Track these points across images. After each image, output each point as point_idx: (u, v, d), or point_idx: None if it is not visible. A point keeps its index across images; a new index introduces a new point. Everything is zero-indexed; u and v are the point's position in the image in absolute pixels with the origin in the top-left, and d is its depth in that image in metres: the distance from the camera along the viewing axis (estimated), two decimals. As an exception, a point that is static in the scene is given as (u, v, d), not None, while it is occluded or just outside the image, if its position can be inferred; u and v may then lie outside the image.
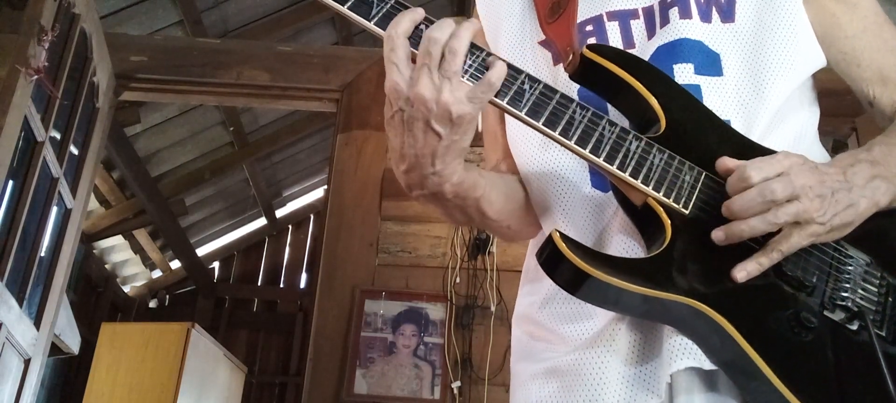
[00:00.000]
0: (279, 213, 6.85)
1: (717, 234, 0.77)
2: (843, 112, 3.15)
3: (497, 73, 0.75)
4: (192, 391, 4.11)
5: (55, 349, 3.42)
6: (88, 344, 4.32)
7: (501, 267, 3.11)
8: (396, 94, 0.74)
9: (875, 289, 0.81)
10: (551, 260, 0.76)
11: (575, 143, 0.78)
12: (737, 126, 0.86)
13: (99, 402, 4.02)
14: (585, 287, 0.75)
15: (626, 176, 0.78)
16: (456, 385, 2.94)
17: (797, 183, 0.74)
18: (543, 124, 0.77)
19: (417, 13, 0.75)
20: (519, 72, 0.78)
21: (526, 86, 0.78)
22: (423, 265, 3.17)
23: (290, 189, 6.69)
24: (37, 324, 2.81)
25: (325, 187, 5.47)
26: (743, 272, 0.76)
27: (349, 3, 0.76)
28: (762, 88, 0.89)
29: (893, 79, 0.92)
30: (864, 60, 0.93)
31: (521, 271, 1.03)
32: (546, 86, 0.79)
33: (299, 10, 4.44)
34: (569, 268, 0.75)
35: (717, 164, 0.79)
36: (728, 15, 0.93)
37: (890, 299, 0.81)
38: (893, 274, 0.83)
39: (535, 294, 0.94)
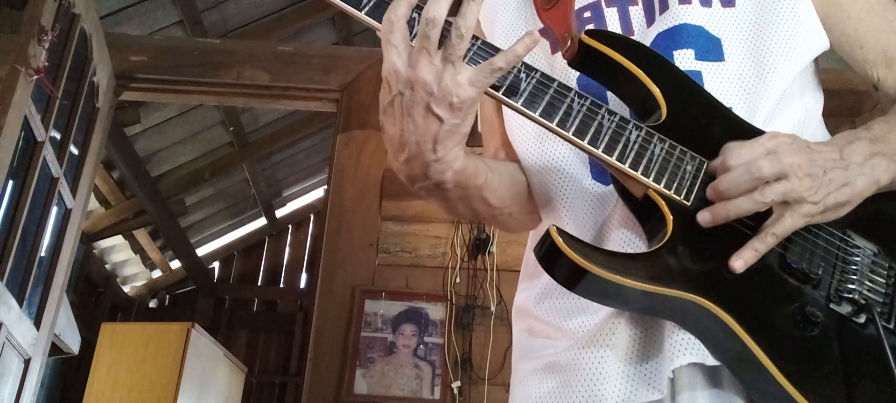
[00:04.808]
0: (279, 213, 6.85)
1: (704, 216, 0.75)
2: (844, 112, 3.15)
3: (502, 57, 0.72)
4: (192, 391, 4.10)
5: (55, 349, 3.41)
6: (88, 344, 4.31)
7: (501, 267, 3.10)
8: (395, 77, 0.71)
9: (883, 280, 0.79)
10: (549, 256, 0.74)
11: (573, 134, 0.76)
12: (739, 112, 0.84)
13: (99, 402, 4.01)
14: (584, 283, 0.73)
15: (625, 167, 0.76)
16: (456, 385, 2.93)
17: (785, 161, 0.72)
18: (540, 115, 0.75)
19: None
20: None
21: (522, 76, 0.76)
22: (423, 265, 3.16)
23: (290, 189, 6.68)
24: (37, 324, 2.80)
25: (325, 187, 5.46)
26: (740, 261, 0.74)
27: None
28: (765, 72, 0.87)
29: None
30: (868, 42, 0.90)
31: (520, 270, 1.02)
32: (543, 74, 0.77)
33: (299, 10, 4.43)
34: (567, 265, 0.73)
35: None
36: None
37: None
38: None
39: (533, 288, 0.92)
